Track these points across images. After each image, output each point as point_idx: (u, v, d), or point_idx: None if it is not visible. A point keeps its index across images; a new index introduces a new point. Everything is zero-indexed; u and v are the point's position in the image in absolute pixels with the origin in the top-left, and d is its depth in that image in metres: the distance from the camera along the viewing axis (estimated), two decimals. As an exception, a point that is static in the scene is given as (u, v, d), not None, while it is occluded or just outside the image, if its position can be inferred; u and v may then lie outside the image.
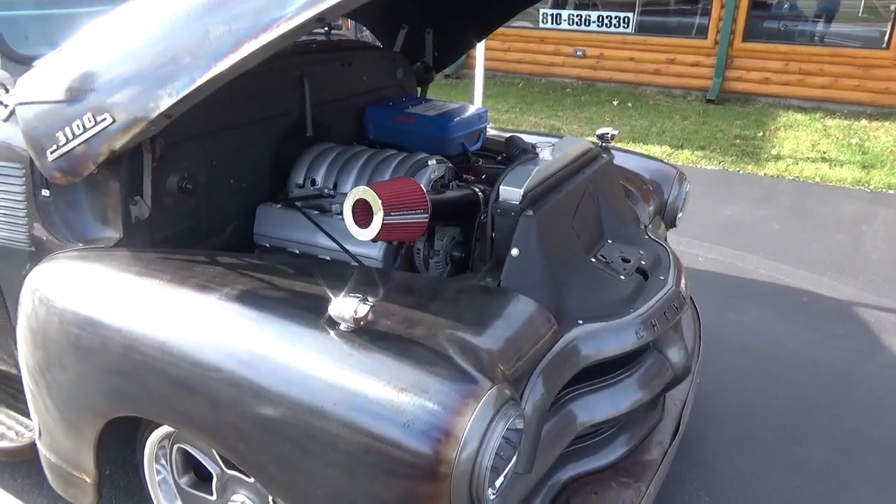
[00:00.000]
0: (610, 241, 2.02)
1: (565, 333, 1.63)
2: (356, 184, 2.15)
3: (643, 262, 1.96)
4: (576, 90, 8.96)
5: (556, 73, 9.61)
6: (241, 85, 2.09)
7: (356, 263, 1.95)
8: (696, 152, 6.24)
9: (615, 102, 8.21)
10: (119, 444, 1.81)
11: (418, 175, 2.01)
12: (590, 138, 2.69)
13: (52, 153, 1.70)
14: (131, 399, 1.53)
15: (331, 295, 1.34)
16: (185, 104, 1.56)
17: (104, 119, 1.61)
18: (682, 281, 1.99)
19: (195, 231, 2.03)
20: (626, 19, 9.05)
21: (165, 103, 1.55)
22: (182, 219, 1.98)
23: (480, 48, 7.19)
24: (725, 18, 8.26)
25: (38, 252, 1.85)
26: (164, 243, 1.92)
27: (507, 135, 2.89)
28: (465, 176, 2.32)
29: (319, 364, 1.31)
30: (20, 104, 1.73)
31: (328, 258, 2.05)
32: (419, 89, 2.94)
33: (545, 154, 1.85)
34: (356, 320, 1.30)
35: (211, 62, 1.51)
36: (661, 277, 1.94)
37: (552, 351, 1.55)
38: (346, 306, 1.30)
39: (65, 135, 1.67)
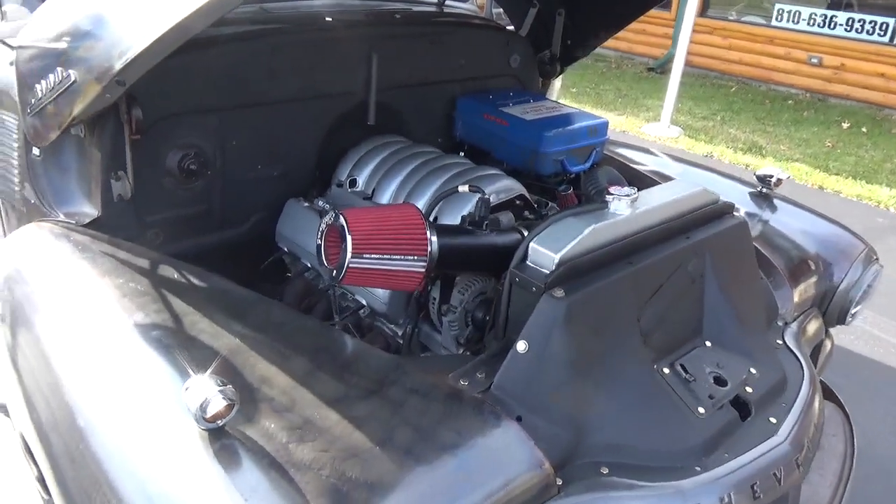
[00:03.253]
0: (708, 344, 1.37)
1: (571, 485, 1.07)
2: (395, 195, 1.72)
3: (748, 389, 1.30)
4: (799, 103, 7.58)
5: (781, 81, 8.21)
6: (286, 54, 1.73)
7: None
8: (937, 204, 4.87)
9: (846, 125, 6.78)
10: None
11: (451, 204, 1.51)
12: (770, 167, 1.97)
13: (30, 108, 1.48)
14: (19, 412, 1.27)
15: (190, 370, 0.93)
16: (138, 68, 1.23)
17: (68, 77, 1.34)
18: (809, 429, 1.30)
19: (205, 218, 1.73)
20: (883, 25, 7.41)
21: (117, 65, 1.23)
22: (186, 203, 1.68)
23: (684, 40, 6.25)
24: None
25: (28, 214, 1.67)
26: (158, 227, 1.65)
27: (640, 156, 2.26)
28: (550, 205, 1.77)
29: (154, 460, 0.92)
30: (19, 47, 1.53)
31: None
32: (539, 82, 2.39)
33: (620, 205, 1.26)
34: (205, 418, 0.88)
35: (166, 15, 1.15)
36: (773, 420, 1.27)
37: (536, 517, 1.01)
38: (197, 395, 0.89)
39: (41, 89, 1.43)
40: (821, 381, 2.03)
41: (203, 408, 0.87)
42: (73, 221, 1.53)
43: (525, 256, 1.19)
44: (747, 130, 6.47)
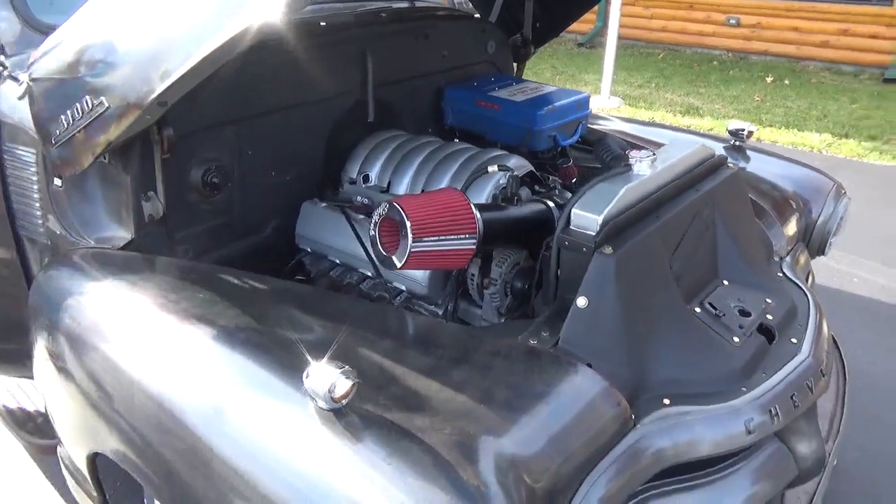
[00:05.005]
0: (726, 283, 1.53)
1: (643, 417, 1.19)
2: (412, 185, 1.80)
3: (769, 317, 1.45)
4: (724, 63, 7.98)
5: (705, 44, 8.62)
6: (286, 63, 1.79)
7: (388, 286, 1.61)
8: (863, 143, 5.26)
9: (769, 79, 7.19)
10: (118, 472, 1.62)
11: (480, 185, 1.61)
12: (736, 121, 2.14)
13: (55, 139, 1.49)
14: (100, 437, 1.30)
15: (309, 359, 1.01)
16: (180, 88, 1.28)
17: (100, 104, 1.37)
18: (824, 345, 1.47)
19: (227, 229, 1.78)
20: (792, -18, 7.87)
21: (158, 87, 1.27)
22: (210, 216, 1.72)
23: (615, 14, 6.51)
24: (919, -19, 6.92)
25: (53, 246, 1.67)
26: (187, 243, 1.68)
27: (609, 124, 2.41)
28: (550, 178, 1.90)
29: (285, 447, 0.99)
30: (33, 80, 1.54)
31: (371, 274, 1.72)
32: (514, 66, 2.51)
33: (642, 167, 1.39)
34: (333, 399, 0.96)
35: (206, 37, 1.21)
36: (794, 340, 1.43)
37: (619, 447, 1.13)
38: (322, 379, 0.96)
39: (66, 119, 1.45)
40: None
41: (331, 390, 0.95)
42: (110, 246, 1.56)
43: (568, 222, 1.31)
44: (681, 94, 6.79)
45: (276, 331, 1.19)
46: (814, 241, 1.99)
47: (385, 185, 1.84)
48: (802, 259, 1.89)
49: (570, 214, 1.31)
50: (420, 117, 2.23)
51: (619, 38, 8.08)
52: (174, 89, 1.27)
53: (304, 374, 0.98)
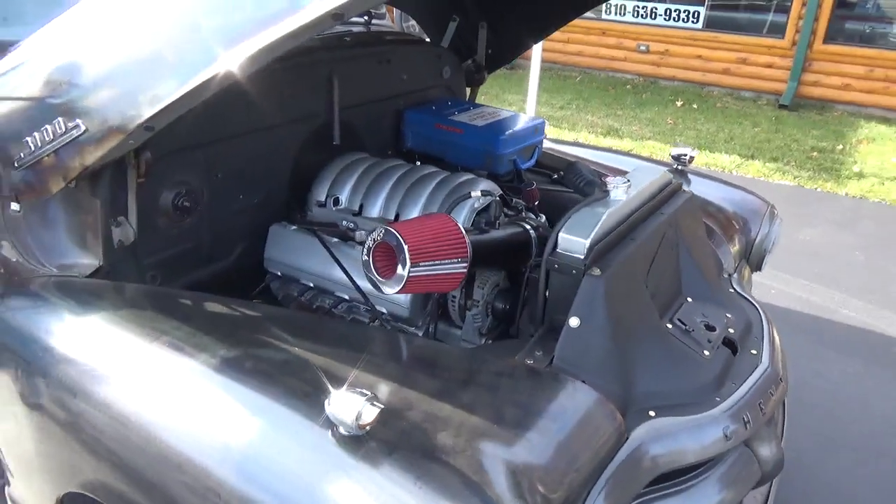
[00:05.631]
0: (689, 300, 1.64)
1: (633, 429, 1.26)
2: (385, 208, 1.82)
3: (731, 330, 1.57)
4: (637, 87, 8.43)
5: (617, 68, 9.08)
6: (256, 85, 1.77)
7: (369, 308, 1.62)
8: (767, 164, 5.71)
9: (679, 103, 7.67)
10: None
11: (458, 208, 1.66)
12: (682, 146, 2.29)
13: (18, 162, 1.41)
14: (82, 477, 1.24)
15: (329, 386, 1.01)
16: (169, 114, 1.25)
17: (76, 127, 1.31)
18: (779, 353, 1.60)
19: (195, 254, 1.73)
20: (695, 14, 8.45)
21: (146, 112, 1.24)
22: (178, 241, 1.68)
23: (538, 40, 6.76)
24: (806, 17, 7.60)
25: (7, 275, 1.57)
26: (155, 269, 1.63)
27: (561, 147, 2.52)
28: (515, 200, 1.96)
29: (308, 476, 0.99)
30: (-9, 100, 1.45)
31: (346, 297, 1.73)
32: (468, 91, 2.58)
33: (618, 192, 1.47)
34: (359, 426, 0.97)
35: (201, 64, 1.19)
36: (753, 351, 1.55)
37: (618, 457, 1.19)
38: (347, 407, 0.97)
39: (33, 142, 1.38)
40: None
41: (358, 417, 0.96)
42: (76, 274, 1.48)
43: (556, 245, 1.37)
44: (601, 115, 7.12)
45: (279, 357, 1.18)
46: (753, 259, 2.16)
47: (356, 208, 1.85)
48: (746, 275, 2.05)
49: (557, 238, 1.37)
50: (382, 140, 2.26)
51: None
52: (164, 115, 1.24)
53: (326, 403, 0.99)
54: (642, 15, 8.86)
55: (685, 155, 2.30)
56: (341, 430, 0.99)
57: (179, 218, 1.64)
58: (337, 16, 1.09)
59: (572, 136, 6.39)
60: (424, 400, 1.11)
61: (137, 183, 1.46)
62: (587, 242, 1.34)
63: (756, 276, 3.64)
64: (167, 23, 1.24)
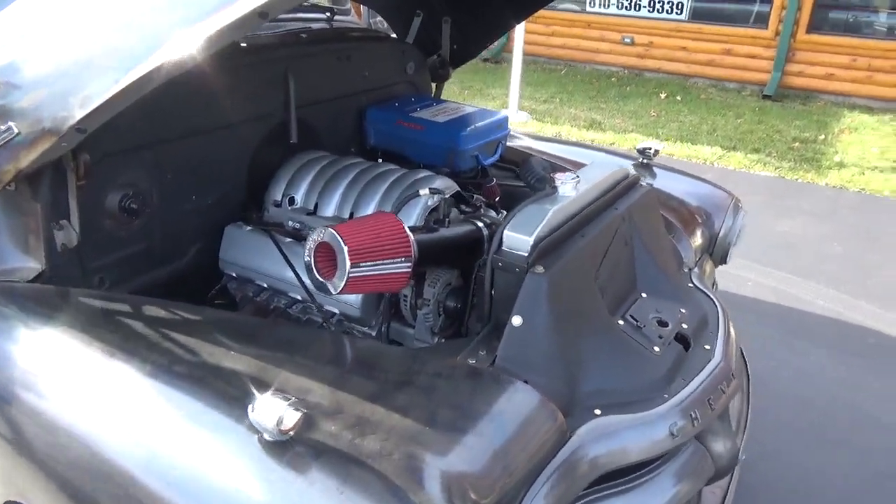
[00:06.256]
0: (644, 295, 1.62)
1: (577, 428, 1.25)
2: (340, 207, 1.80)
3: (684, 326, 1.56)
4: (621, 80, 8.42)
5: (602, 61, 9.06)
6: (207, 83, 1.75)
7: (317, 308, 1.60)
8: (749, 155, 5.70)
9: (663, 95, 7.66)
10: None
11: (408, 207, 1.64)
12: (651, 140, 2.28)
13: (-49, 166, 1.39)
14: (20, 485, 1.22)
15: (255, 391, 0.99)
16: (101, 115, 1.23)
17: (8, 130, 1.29)
18: (733, 349, 1.59)
19: (146, 256, 1.71)
20: (679, 5, 8.43)
21: (78, 114, 1.21)
22: (127, 242, 1.65)
23: (520, 31, 6.73)
24: (789, 7, 7.59)
25: (-54, 281, 1.55)
26: (103, 272, 1.61)
27: (526, 143, 2.50)
28: (475, 197, 1.94)
29: (231, 483, 0.97)
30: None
31: (300, 298, 1.71)
32: (433, 86, 2.56)
33: (566, 188, 1.46)
34: (281, 431, 0.95)
35: (131, 64, 1.17)
36: (707, 347, 1.54)
37: (557, 458, 1.18)
38: (269, 413, 0.95)
39: (-35, 145, 1.35)
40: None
41: (279, 423, 0.94)
42: (16, 279, 1.46)
43: (501, 243, 1.35)
44: (584, 109, 7.10)
45: (212, 363, 1.17)
46: (717, 252, 2.15)
47: (311, 208, 1.83)
48: (708, 269, 2.04)
49: (502, 236, 1.35)
50: (343, 138, 2.23)
51: (523, 54, 8.35)
52: (95, 116, 1.22)
53: (250, 408, 0.97)
54: (626, 7, 8.84)
55: (650, 149, 2.29)
56: (266, 436, 0.97)
57: (127, 220, 1.62)
58: (263, 14, 1.07)
59: (554, 130, 6.38)
60: (357, 403, 1.09)
61: (78, 185, 1.44)
62: (531, 240, 1.33)
63: (731, 268, 3.63)
64: (97, 23, 1.22)
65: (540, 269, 1.30)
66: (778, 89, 7.69)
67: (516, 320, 1.28)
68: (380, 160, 2.13)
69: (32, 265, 1.48)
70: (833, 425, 2.56)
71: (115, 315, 1.31)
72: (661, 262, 1.72)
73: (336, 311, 1.64)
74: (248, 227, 1.81)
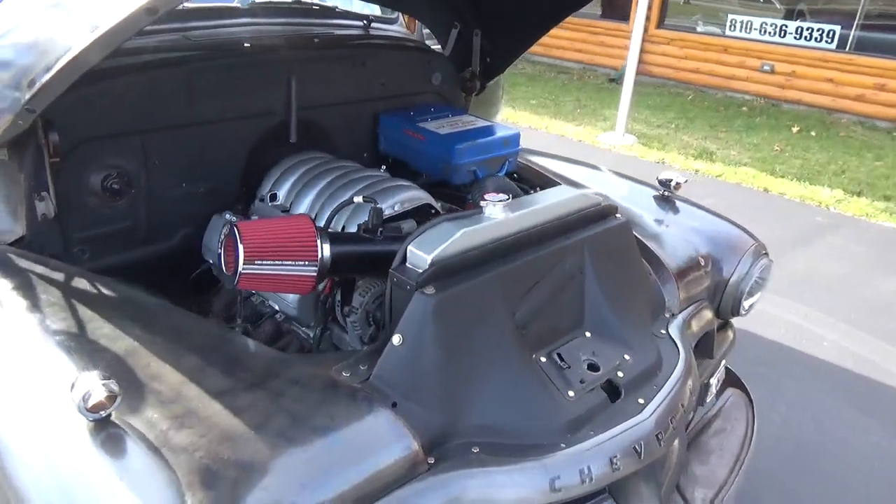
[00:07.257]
0: (588, 335, 1.50)
1: (445, 462, 1.18)
2: (312, 205, 1.83)
3: (620, 374, 1.42)
4: (753, 109, 7.82)
5: (736, 88, 8.48)
6: (205, 78, 1.85)
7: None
8: (875, 203, 5.07)
9: (795, 129, 7.02)
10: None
11: (352, 214, 1.63)
12: (670, 172, 2.10)
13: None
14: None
15: (78, 371, 1.03)
16: (46, 95, 1.34)
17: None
18: (677, 409, 1.42)
19: (130, 234, 1.83)
20: (830, 32, 7.70)
21: (27, 94, 1.33)
22: (111, 219, 1.78)
23: (634, 51, 6.46)
24: (962, 41, 6.68)
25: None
26: (85, 244, 1.74)
27: (541, 161, 2.39)
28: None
29: (46, 454, 1.02)
30: None
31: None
32: (464, 98, 2.52)
33: (494, 210, 1.38)
34: (87, 409, 0.98)
35: (63, 47, 1.26)
36: (641, 401, 1.39)
37: (405, 489, 1.12)
38: (80, 388, 0.99)
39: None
40: (727, 369, 2.17)
41: (85, 399, 0.97)
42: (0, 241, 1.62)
43: (404, 258, 1.31)
44: (700, 137, 6.68)
45: (91, 338, 1.22)
46: (726, 301, 1.93)
47: (287, 205, 1.88)
48: (706, 317, 1.83)
49: (406, 251, 1.31)
50: (357, 142, 2.27)
51: (651, 75, 8.01)
52: (40, 98, 1.33)
53: (71, 384, 1.01)
54: (770, 32, 8.22)
55: (671, 180, 2.12)
56: (84, 416, 1.01)
57: (111, 198, 1.75)
58: (152, 11, 1.12)
59: (658, 157, 6.05)
60: (198, 396, 1.10)
61: (51, 162, 1.57)
62: (429, 259, 1.27)
63: (804, 322, 3.26)
64: (40, 9, 1.33)
65: (430, 290, 1.24)
66: (937, 133, 6.79)
67: (396, 339, 1.23)
68: (383, 167, 2.13)
69: (15, 229, 1.64)
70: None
71: (45, 280, 1.41)
72: (621, 301, 1.57)
73: (277, 307, 1.67)
74: (233, 218, 1.88)
